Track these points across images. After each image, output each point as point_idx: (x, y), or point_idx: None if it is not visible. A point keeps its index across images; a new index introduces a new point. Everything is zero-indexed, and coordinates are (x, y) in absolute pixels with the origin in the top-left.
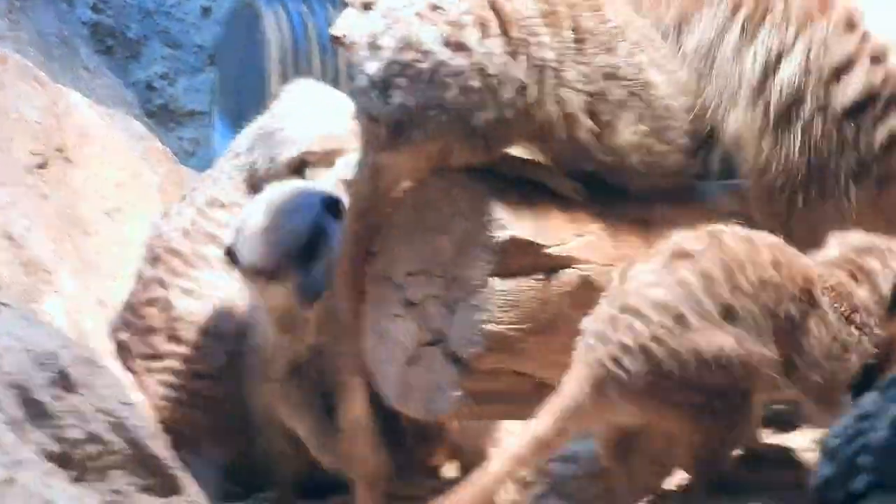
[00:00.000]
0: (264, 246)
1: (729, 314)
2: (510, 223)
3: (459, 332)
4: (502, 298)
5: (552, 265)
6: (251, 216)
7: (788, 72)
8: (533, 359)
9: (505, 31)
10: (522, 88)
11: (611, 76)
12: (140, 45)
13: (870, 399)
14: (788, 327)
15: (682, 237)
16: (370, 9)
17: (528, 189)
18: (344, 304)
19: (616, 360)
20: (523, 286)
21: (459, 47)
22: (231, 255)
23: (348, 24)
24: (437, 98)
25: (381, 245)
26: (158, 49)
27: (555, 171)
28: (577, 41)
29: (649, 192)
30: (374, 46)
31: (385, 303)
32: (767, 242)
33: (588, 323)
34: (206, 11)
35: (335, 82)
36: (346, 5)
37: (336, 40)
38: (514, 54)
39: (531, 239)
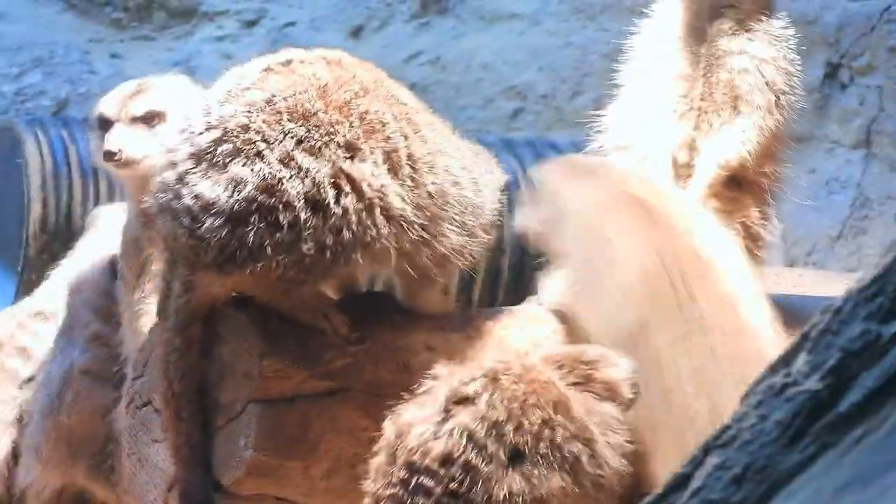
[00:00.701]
0: None
1: (517, 454)
2: (270, 349)
3: (220, 458)
4: (262, 424)
5: (314, 391)
6: None
7: None
8: (295, 484)
9: (357, 190)
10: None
11: (436, 194)
12: None
13: None
14: (578, 462)
15: (457, 381)
16: (149, 124)
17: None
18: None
19: None
20: (284, 411)
21: (318, 206)
22: None
23: (133, 137)
24: (296, 251)
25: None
26: None
27: (327, 309)
28: (412, 174)
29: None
30: (214, 168)
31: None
32: (540, 380)
33: (375, 487)
34: None
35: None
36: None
37: (110, 156)
38: (370, 210)
39: (292, 364)
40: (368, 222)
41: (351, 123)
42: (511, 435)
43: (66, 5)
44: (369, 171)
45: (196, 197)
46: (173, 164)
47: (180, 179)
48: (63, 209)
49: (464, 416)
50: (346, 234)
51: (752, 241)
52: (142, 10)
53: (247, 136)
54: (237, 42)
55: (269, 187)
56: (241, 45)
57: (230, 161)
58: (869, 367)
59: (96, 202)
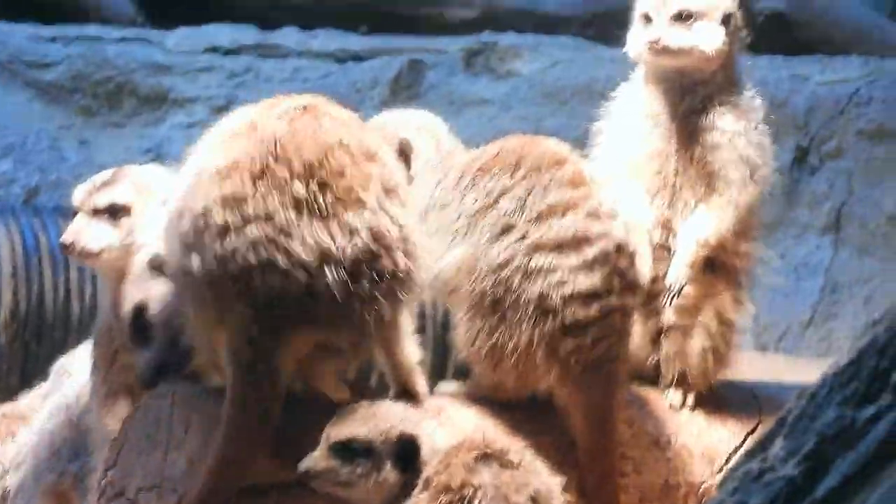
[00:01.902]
0: None
1: None
2: None
3: None
4: None
5: (287, 480)
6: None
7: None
8: None
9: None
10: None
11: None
12: None
13: None
14: None
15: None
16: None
17: None
18: None
19: None
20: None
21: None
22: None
23: (91, 229)
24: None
25: (115, 460)
26: None
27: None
28: None
29: None
30: (323, 217)
31: None
32: None
33: None
34: None
35: (67, 297)
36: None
37: (64, 247)
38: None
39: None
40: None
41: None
42: None
43: (37, 92)
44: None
45: (312, 247)
46: (263, 217)
47: (283, 231)
48: (34, 298)
49: None
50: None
51: (726, 327)
52: (111, 96)
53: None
54: (207, 128)
55: (377, 233)
56: None
57: (338, 209)
58: (845, 451)
59: (67, 291)
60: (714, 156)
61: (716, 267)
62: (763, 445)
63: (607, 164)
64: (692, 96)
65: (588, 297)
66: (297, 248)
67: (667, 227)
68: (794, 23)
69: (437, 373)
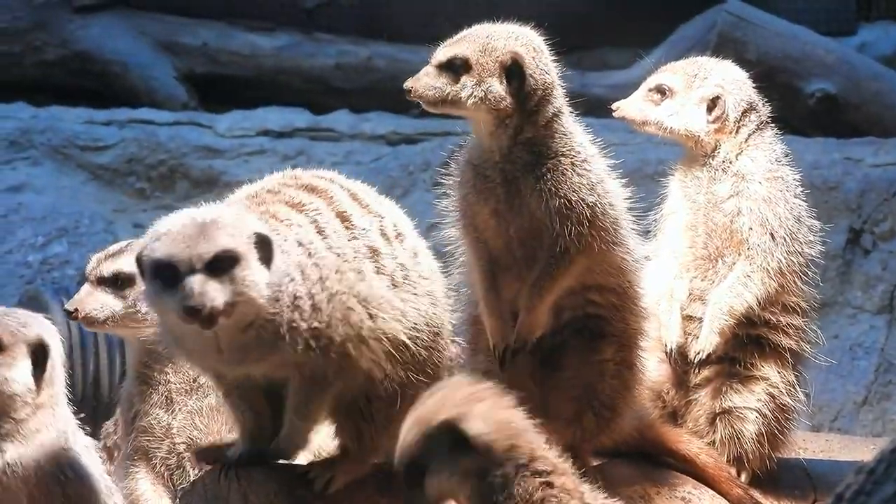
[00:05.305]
0: None
1: None
2: None
3: None
4: None
5: None
6: None
7: None
8: None
9: None
10: None
11: None
12: None
13: None
14: None
15: None
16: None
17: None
18: None
19: None
20: None
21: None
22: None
23: (95, 298)
24: None
25: None
26: None
27: None
28: None
29: None
30: None
31: None
32: None
33: None
34: None
35: (122, 377)
36: None
37: (68, 313)
38: None
39: None
40: None
41: None
42: None
43: (91, 176)
44: None
45: None
46: None
47: None
48: (90, 378)
49: None
50: None
51: (781, 412)
52: (165, 179)
53: None
54: None
55: None
56: None
57: None
58: None
59: (122, 372)
60: (737, 223)
61: (762, 343)
62: None
63: (658, 245)
64: (711, 166)
65: None
66: None
67: (703, 300)
68: (846, 105)
69: None
